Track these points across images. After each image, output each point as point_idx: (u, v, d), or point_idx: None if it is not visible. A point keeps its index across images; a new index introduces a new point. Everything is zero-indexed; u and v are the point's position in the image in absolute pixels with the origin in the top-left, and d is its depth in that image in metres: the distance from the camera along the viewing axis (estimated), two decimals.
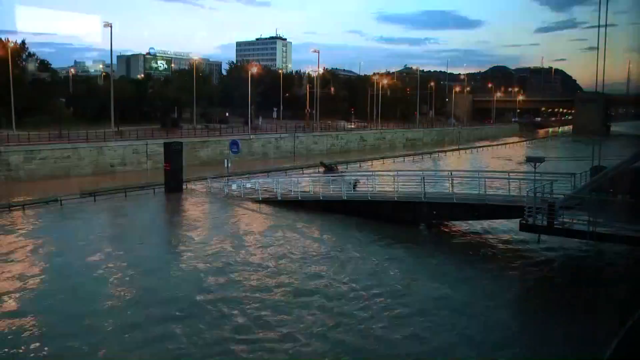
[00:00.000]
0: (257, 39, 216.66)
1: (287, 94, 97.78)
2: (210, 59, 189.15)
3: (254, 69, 75.65)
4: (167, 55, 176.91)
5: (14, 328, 13.64)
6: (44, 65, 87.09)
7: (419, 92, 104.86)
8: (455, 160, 63.46)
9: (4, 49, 57.81)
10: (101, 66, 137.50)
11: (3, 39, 63.15)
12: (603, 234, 17.53)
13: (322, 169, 44.45)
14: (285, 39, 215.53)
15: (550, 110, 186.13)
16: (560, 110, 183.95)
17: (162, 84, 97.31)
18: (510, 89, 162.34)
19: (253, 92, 68.00)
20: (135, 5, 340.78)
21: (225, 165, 34.66)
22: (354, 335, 13.64)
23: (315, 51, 78.24)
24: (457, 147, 77.81)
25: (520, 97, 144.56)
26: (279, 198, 29.89)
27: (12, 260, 19.21)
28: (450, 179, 27.13)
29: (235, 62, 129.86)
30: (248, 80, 61.97)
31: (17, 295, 15.97)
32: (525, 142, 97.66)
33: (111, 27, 58.80)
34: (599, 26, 20.52)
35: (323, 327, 14.01)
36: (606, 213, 18.04)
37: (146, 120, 70.15)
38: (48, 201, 29.41)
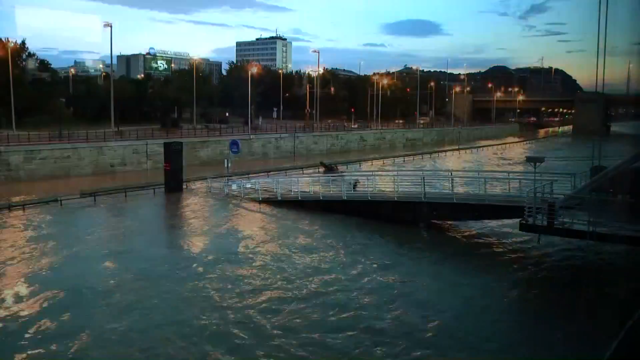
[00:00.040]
0: (257, 39, 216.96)
1: (287, 94, 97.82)
2: (210, 59, 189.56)
3: (254, 69, 75.64)
4: (167, 56, 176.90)
5: None
6: (44, 65, 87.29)
7: (419, 92, 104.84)
8: (455, 161, 63.43)
9: (4, 49, 57.82)
10: (101, 66, 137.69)
11: (3, 39, 63.19)
12: (603, 234, 17.51)
13: (322, 169, 44.48)
14: (285, 39, 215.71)
15: (550, 110, 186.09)
16: (560, 110, 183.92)
17: (162, 84, 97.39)
18: (510, 89, 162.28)
19: (253, 92, 67.98)
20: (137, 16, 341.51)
21: (225, 165, 34.66)
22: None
23: (315, 51, 78.42)
24: (457, 147, 77.82)
25: (520, 97, 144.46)
26: (279, 198, 29.90)
27: (11, 259, 19.23)
28: (450, 179, 27.11)
29: (235, 62, 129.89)
30: (248, 80, 61.96)
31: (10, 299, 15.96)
32: (525, 142, 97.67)
33: (111, 27, 58.91)
34: (599, 26, 20.52)
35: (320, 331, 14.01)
36: (606, 213, 18.04)
37: (146, 120, 70.20)
38: (48, 201, 29.40)
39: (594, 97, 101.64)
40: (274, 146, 63.05)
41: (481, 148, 79.50)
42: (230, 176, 35.26)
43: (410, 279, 18.37)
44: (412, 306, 15.65)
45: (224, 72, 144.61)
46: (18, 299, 15.73)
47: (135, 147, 48.40)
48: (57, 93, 71.39)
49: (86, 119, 64.31)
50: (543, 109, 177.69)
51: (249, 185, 33.04)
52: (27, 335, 13.34)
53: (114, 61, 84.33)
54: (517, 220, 19.83)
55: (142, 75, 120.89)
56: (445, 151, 73.41)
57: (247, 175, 38.56)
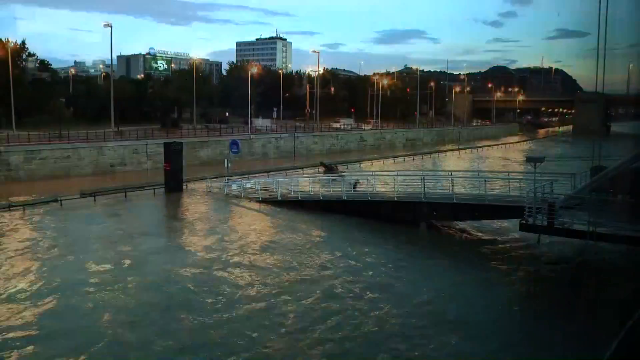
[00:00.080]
0: (257, 39, 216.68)
1: (287, 94, 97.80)
2: (210, 59, 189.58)
3: (254, 69, 75.69)
4: (167, 56, 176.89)
5: None
6: (44, 65, 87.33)
7: (419, 92, 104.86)
8: (455, 161, 63.46)
9: (4, 49, 57.83)
10: (101, 66, 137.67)
11: (3, 39, 63.19)
12: (603, 234, 17.52)
13: (322, 169, 44.49)
14: (285, 39, 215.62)
15: (550, 110, 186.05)
16: (560, 110, 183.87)
17: (162, 84, 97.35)
18: (510, 89, 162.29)
19: (253, 92, 68.00)
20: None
21: (225, 165, 34.66)
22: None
23: (315, 51, 78.42)
24: (457, 147, 77.87)
25: (520, 97, 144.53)
26: (279, 198, 29.90)
27: (10, 259, 19.23)
28: (450, 179, 27.13)
29: (235, 62, 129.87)
30: (248, 80, 61.95)
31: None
32: (525, 142, 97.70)
33: (111, 27, 58.83)
34: (599, 27, 20.55)
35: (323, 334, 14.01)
36: (606, 213, 18.03)
37: (146, 120, 70.21)
38: (48, 201, 29.40)
39: (594, 97, 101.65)
40: (274, 146, 63.09)
41: (481, 148, 79.49)
42: (230, 176, 35.25)
43: (410, 279, 18.37)
44: (412, 306, 15.65)
45: (224, 72, 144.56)
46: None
47: (135, 147, 48.40)
48: (57, 93, 71.48)
49: (86, 119, 64.32)
50: (543, 109, 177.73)
51: (249, 185, 33.04)
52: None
53: (114, 61, 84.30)
54: (517, 220, 19.84)
55: (142, 75, 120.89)
56: (446, 151, 73.43)
57: (247, 175, 38.54)
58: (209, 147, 54.92)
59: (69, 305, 15.34)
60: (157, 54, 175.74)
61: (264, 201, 30.18)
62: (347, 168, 48.40)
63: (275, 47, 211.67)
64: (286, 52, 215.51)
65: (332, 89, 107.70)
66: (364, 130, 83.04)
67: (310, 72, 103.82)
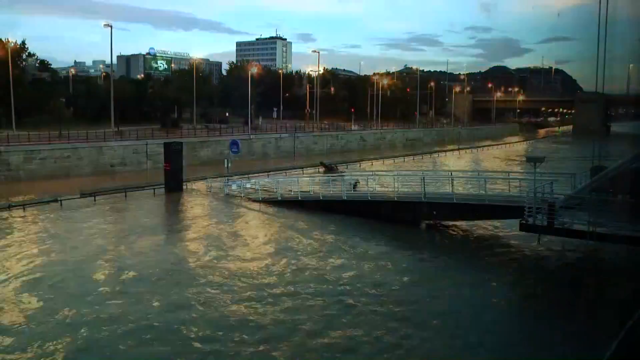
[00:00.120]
0: (257, 39, 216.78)
1: (287, 94, 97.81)
2: (210, 59, 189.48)
3: (254, 69, 75.67)
4: (167, 56, 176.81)
5: None
6: (44, 65, 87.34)
7: (419, 92, 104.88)
8: (455, 161, 63.46)
9: (4, 49, 57.84)
10: (101, 66, 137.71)
11: (3, 39, 63.20)
12: (603, 234, 17.51)
13: (322, 169, 44.51)
14: (285, 39, 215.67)
15: (550, 110, 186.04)
16: (560, 110, 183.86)
17: (162, 84, 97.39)
18: (510, 89, 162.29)
19: (253, 92, 68.00)
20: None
21: (225, 165, 34.65)
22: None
23: (315, 52, 78.45)
24: (457, 147, 77.86)
25: (520, 97, 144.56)
26: (279, 198, 29.90)
27: (10, 259, 19.23)
28: (450, 179, 27.14)
29: (235, 62, 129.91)
30: (248, 80, 61.97)
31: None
32: (525, 142, 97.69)
33: (111, 27, 58.92)
34: (599, 27, 20.55)
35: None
36: (606, 213, 18.03)
37: (146, 120, 70.22)
38: (48, 201, 29.39)
39: (594, 97, 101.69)
40: (274, 146, 63.09)
41: (481, 148, 79.48)
42: (230, 176, 35.26)
43: (409, 279, 18.35)
44: (411, 306, 15.65)
45: (224, 72, 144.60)
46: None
47: (135, 147, 48.41)
48: (57, 93, 71.47)
49: (86, 119, 64.33)
50: (543, 109, 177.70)
51: (249, 185, 33.05)
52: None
53: (114, 61, 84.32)
54: (517, 220, 19.83)
55: (142, 75, 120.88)
56: (446, 151, 73.42)
57: (247, 175, 38.54)
58: (209, 147, 54.93)
59: (68, 304, 15.34)
60: (157, 54, 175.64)
61: (264, 201, 30.18)
62: (347, 168, 48.41)
63: (275, 47, 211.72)
64: (286, 52, 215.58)
65: (332, 89, 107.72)
66: (364, 130, 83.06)
67: (310, 72, 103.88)
